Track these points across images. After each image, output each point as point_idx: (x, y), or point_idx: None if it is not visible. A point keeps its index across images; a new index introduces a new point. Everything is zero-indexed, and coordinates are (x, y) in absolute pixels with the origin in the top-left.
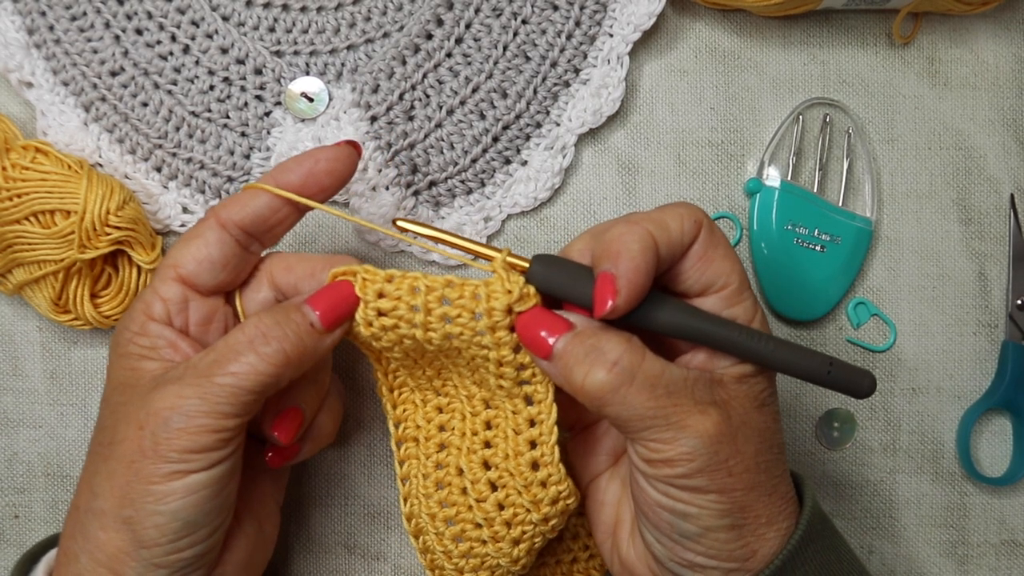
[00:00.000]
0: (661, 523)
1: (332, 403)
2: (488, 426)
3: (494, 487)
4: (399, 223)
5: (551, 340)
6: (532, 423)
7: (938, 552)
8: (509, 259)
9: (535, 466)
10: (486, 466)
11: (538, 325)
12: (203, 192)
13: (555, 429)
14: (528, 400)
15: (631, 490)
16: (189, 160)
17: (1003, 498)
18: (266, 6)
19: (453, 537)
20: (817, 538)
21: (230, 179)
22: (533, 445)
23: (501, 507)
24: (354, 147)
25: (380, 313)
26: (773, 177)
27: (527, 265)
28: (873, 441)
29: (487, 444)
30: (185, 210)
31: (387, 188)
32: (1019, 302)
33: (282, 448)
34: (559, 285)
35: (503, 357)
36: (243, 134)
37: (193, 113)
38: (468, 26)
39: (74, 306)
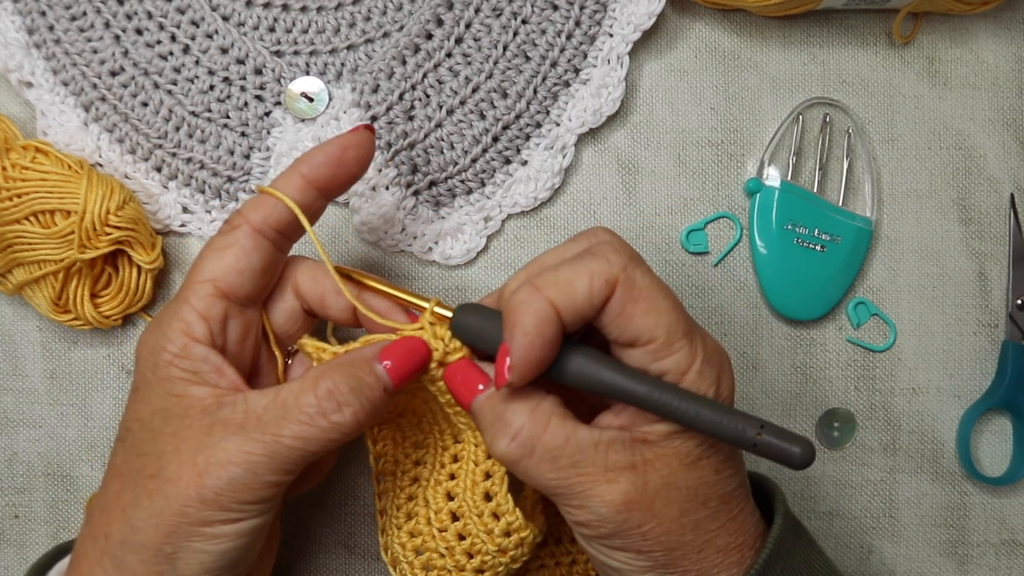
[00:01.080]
0: (598, 566)
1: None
2: (455, 459)
3: (455, 517)
4: (336, 268)
5: (470, 395)
6: (489, 456)
7: (938, 552)
8: (437, 309)
9: (488, 497)
10: (449, 497)
11: (459, 380)
12: (203, 192)
13: None
14: None
15: None
16: (189, 160)
17: (1003, 498)
18: (266, 6)
19: (422, 566)
20: (784, 558)
21: (230, 179)
22: (488, 476)
23: (461, 537)
24: (370, 130)
25: None
26: (773, 177)
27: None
28: (873, 441)
29: (452, 476)
30: (185, 210)
31: (387, 188)
32: (1019, 302)
33: None
34: (478, 338)
35: (448, 401)
36: (243, 134)
37: (193, 113)
38: (468, 26)
39: (74, 306)
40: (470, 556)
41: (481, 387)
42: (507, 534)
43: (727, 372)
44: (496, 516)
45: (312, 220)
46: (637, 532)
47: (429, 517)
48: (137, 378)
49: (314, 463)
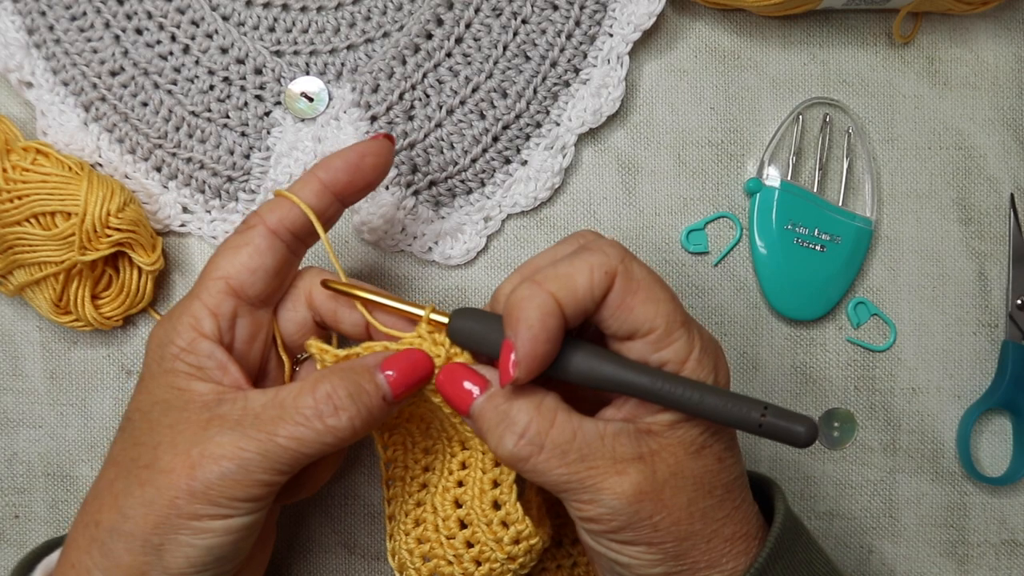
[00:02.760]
0: (602, 566)
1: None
2: (463, 466)
3: (463, 525)
4: (329, 283)
5: (467, 399)
6: (496, 463)
7: (938, 552)
8: (433, 316)
9: (496, 505)
10: (457, 504)
11: (455, 383)
12: (203, 192)
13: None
14: None
15: None
16: (189, 160)
17: (1003, 498)
18: (266, 6)
19: (429, 573)
20: (786, 555)
21: (230, 179)
22: (496, 484)
23: (469, 544)
24: (389, 139)
25: None
26: (773, 177)
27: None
28: (873, 441)
29: (460, 483)
30: (185, 210)
31: (387, 188)
32: (1019, 302)
33: None
34: (476, 341)
35: (452, 412)
36: (243, 134)
37: (193, 113)
38: (468, 26)
39: (75, 307)
40: (478, 563)
41: (478, 391)
42: (516, 542)
43: (723, 360)
44: (505, 524)
45: (327, 226)
46: (648, 523)
47: (437, 524)
48: (144, 370)
49: (308, 473)
